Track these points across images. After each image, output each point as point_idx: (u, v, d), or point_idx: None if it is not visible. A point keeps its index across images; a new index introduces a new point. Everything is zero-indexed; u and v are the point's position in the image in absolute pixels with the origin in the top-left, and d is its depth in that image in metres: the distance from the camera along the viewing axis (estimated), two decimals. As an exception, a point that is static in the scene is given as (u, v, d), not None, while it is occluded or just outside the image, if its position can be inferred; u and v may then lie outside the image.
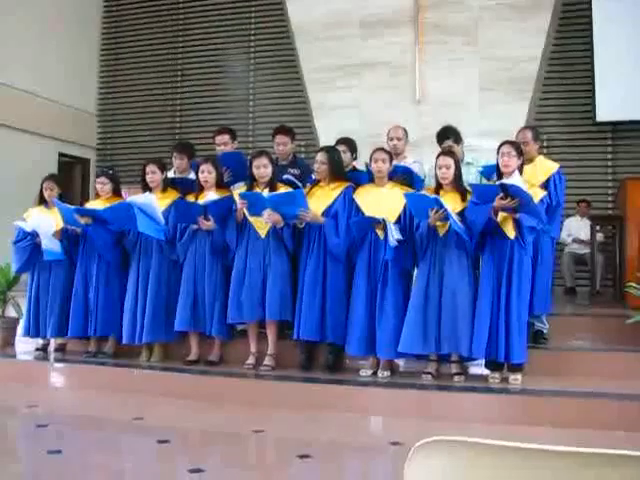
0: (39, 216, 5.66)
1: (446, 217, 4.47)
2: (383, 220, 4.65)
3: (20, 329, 5.90)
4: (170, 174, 5.76)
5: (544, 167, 5.06)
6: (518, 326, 4.41)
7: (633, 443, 3.50)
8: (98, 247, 5.47)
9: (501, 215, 4.45)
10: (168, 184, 5.54)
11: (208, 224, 5.08)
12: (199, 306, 5.18)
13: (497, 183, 4.47)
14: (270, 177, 5.06)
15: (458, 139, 5.25)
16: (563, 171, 5.18)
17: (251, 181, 5.11)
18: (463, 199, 4.61)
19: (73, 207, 5.61)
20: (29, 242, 5.60)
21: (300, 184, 5.30)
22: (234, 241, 5.08)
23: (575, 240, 8.00)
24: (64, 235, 5.59)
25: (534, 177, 4.87)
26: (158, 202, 5.28)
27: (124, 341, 5.37)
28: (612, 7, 8.23)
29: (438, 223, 4.53)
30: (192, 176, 5.58)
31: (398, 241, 4.56)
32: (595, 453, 0.99)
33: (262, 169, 5.03)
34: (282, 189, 5.06)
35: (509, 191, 4.35)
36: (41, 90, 9.35)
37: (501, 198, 4.35)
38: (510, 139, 4.78)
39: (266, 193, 4.95)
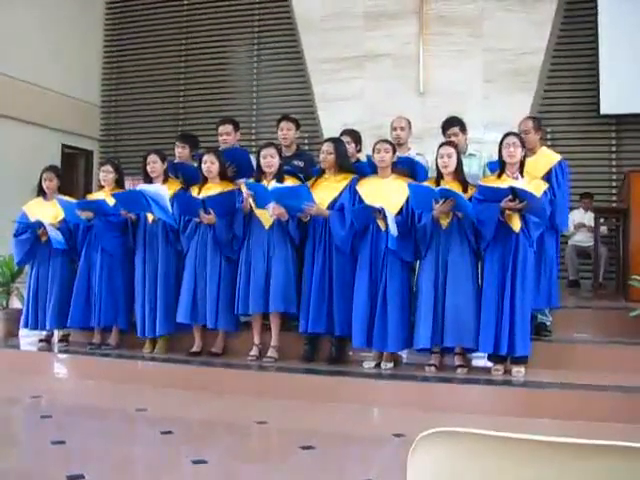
0: (38, 210, 5.65)
1: (458, 205, 4.45)
2: (382, 209, 4.65)
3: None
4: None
5: (546, 158, 5.04)
6: (522, 319, 4.42)
7: (635, 435, 3.50)
8: (100, 240, 5.46)
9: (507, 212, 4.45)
10: (169, 171, 5.54)
11: (209, 218, 5.09)
12: (201, 299, 5.17)
13: (507, 187, 4.44)
14: (277, 168, 5.07)
15: (463, 128, 5.25)
16: (567, 163, 5.15)
17: (258, 173, 5.12)
18: (464, 190, 4.61)
19: (75, 202, 5.58)
20: (29, 235, 5.61)
21: (302, 176, 5.32)
22: (242, 234, 5.10)
23: (577, 226, 7.90)
24: (65, 226, 5.59)
25: (536, 168, 4.85)
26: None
27: (139, 334, 5.39)
28: (617, -1, 8.19)
29: (442, 215, 4.53)
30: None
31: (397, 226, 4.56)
32: (597, 445, 0.99)
33: (269, 158, 5.04)
34: (289, 181, 5.06)
35: (518, 194, 4.34)
36: (44, 82, 9.32)
37: (510, 200, 4.36)
38: (513, 131, 4.77)
39: (272, 185, 4.95)
